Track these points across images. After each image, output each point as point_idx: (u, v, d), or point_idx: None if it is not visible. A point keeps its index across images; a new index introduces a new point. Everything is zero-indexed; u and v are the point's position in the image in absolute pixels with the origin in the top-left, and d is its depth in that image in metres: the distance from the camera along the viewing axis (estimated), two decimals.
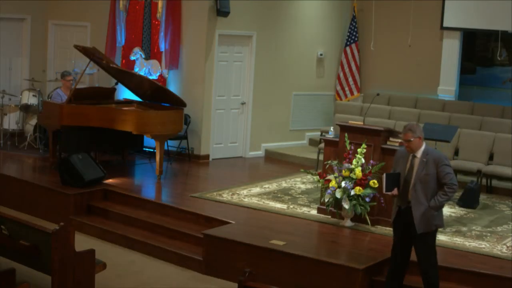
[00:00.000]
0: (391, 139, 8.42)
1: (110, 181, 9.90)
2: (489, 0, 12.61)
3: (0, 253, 6.86)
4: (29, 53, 13.35)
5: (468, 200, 9.50)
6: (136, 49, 11.84)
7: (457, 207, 9.47)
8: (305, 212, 8.88)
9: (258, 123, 12.64)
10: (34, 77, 12.58)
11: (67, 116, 10.27)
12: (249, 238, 7.65)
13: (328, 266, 6.99)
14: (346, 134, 8.44)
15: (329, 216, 8.59)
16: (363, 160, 8.16)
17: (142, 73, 11.54)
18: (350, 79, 13.87)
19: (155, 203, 9.12)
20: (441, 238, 7.99)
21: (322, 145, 10.18)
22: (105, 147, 11.27)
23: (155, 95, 10.78)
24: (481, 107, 12.44)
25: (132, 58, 11.87)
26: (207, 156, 11.95)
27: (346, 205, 8.11)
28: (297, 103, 13.35)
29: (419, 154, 6.45)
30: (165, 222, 8.58)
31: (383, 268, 7.14)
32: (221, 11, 11.57)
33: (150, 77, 11.51)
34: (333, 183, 8.21)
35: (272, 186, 10.26)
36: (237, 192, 9.73)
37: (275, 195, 9.65)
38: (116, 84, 11.64)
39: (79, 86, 11.17)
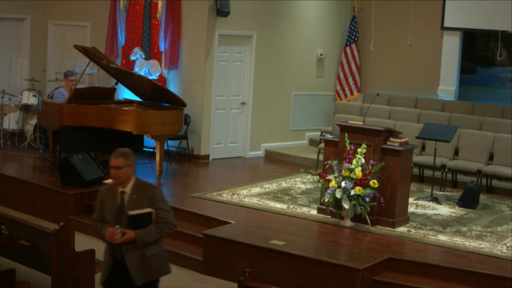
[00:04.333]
0: (391, 139, 8.42)
1: (110, 181, 9.84)
2: (489, 0, 12.61)
3: (0, 253, 6.86)
4: (29, 53, 13.35)
5: (468, 200, 9.50)
6: (136, 49, 11.85)
7: (457, 207, 9.47)
8: (305, 212, 8.88)
9: (258, 123, 12.64)
10: (34, 77, 12.58)
11: (67, 116, 10.27)
12: (249, 238, 7.65)
13: (328, 266, 6.99)
14: (346, 134, 8.44)
15: (329, 216, 8.59)
16: (363, 160, 8.16)
17: (142, 73, 11.54)
18: (350, 79, 13.87)
19: None
20: (441, 238, 8.00)
21: (322, 145, 10.18)
22: (105, 147, 11.25)
23: (155, 95, 10.78)
24: (481, 107, 12.44)
25: (132, 58, 11.88)
26: (207, 156, 11.95)
27: (346, 205, 8.10)
28: (297, 103, 13.35)
29: (128, 188, 5.29)
30: None
31: (383, 268, 7.15)
32: (221, 11, 11.58)
33: (150, 77, 11.52)
34: (333, 183, 8.21)
35: (272, 186, 10.26)
36: (237, 192, 9.74)
37: (275, 195, 9.65)
38: (116, 84, 11.64)
39: (79, 86, 11.17)
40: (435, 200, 9.67)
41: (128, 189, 5.29)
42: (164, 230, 5.27)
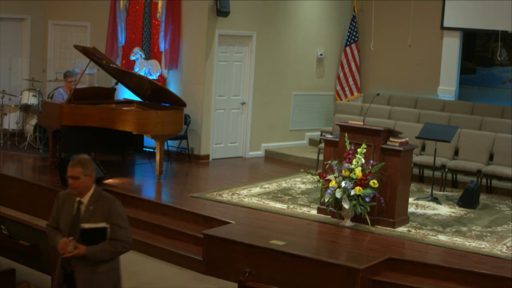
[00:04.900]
0: (391, 139, 8.43)
1: (110, 181, 9.90)
2: (489, 0, 12.61)
3: (0, 253, 6.86)
4: (29, 53, 13.35)
5: (468, 200, 9.50)
6: (136, 49, 11.85)
7: (457, 207, 9.47)
8: (305, 212, 8.88)
9: (258, 123, 12.64)
10: (34, 77, 12.58)
11: (67, 116, 10.27)
12: (249, 238, 7.65)
13: (328, 266, 6.99)
14: (346, 134, 8.44)
15: (329, 216, 8.59)
16: (363, 160, 8.16)
17: (142, 73, 11.54)
18: (350, 79, 13.87)
19: (155, 203, 9.12)
20: (441, 238, 8.00)
21: (322, 145, 10.18)
22: (105, 147, 11.27)
23: (155, 95, 10.78)
24: (481, 107, 12.44)
25: (132, 58, 11.88)
26: (207, 156, 11.95)
27: (346, 205, 8.10)
28: (297, 103, 13.35)
29: (86, 199, 4.95)
30: (165, 222, 8.58)
31: (383, 268, 7.15)
32: (221, 11, 11.58)
33: (150, 77, 11.52)
34: (333, 183, 8.21)
35: (272, 186, 10.26)
36: (237, 192, 9.73)
37: (275, 195, 9.65)
38: (116, 84, 11.64)
39: (79, 86, 11.17)
40: (435, 200, 9.67)
41: (85, 199, 4.94)
42: (119, 249, 4.91)
